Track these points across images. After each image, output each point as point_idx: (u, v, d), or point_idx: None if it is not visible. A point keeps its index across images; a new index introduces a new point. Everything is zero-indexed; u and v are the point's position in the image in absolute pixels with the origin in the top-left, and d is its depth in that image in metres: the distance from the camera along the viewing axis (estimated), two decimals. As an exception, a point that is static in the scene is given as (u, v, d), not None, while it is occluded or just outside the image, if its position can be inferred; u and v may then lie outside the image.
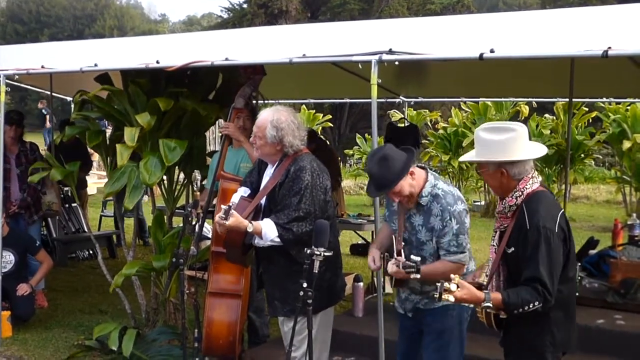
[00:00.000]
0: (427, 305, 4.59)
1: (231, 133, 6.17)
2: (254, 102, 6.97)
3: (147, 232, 11.61)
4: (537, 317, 3.78)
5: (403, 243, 4.41)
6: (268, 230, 4.62)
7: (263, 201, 4.86)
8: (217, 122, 7.66)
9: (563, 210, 3.93)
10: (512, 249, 3.84)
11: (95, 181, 17.28)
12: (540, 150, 4.04)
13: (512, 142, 3.84)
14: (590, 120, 16.89)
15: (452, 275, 3.66)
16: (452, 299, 3.57)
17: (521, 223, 3.79)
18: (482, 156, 3.89)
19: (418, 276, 4.14)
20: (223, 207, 4.49)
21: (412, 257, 4.18)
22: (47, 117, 26.64)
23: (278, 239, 4.63)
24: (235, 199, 4.91)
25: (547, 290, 3.66)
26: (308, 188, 4.67)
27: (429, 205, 4.39)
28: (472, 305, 4.40)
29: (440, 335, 4.58)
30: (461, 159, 4.33)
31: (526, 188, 3.85)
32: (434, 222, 4.38)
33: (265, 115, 4.82)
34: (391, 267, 4.26)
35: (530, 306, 3.66)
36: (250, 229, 4.57)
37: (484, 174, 3.97)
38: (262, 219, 4.74)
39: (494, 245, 4.02)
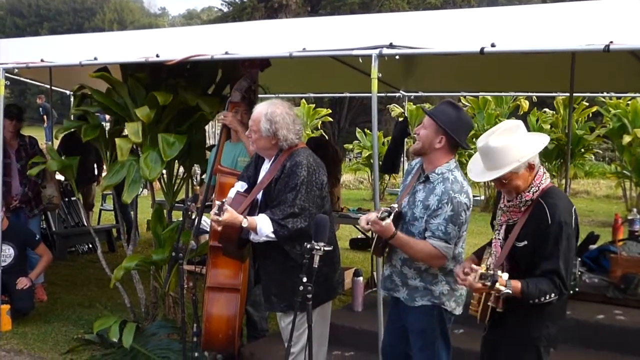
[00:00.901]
0: (407, 301, 4.57)
1: (229, 123, 6.16)
2: (254, 95, 6.96)
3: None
4: (534, 310, 3.83)
5: (397, 209, 4.37)
6: (263, 226, 4.59)
7: (259, 196, 4.84)
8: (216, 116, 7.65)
9: (574, 205, 3.97)
10: (525, 242, 3.86)
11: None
12: (543, 136, 4.08)
13: (525, 135, 3.90)
14: (591, 115, 16.87)
15: (479, 266, 3.71)
16: (503, 288, 3.59)
17: (540, 217, 3.81)
18: (510, 163, 3.79)
19: (388, 221, 4.17)
20: (217, 202, 4.47)
21: (393, 205, 4.27)
22: (45, 117, 26.63)
23: (273, 235, 4.59)
24: (231, 194, 4.89)
25: (564, 284, 3.74)
26: (304, 184, 4.64)
27: (435, 184, 4.39)
28: (457, 304, 4.52)
29: (422, 335, 4.57)
30: (482, 179, 4.07)
31: (542, 183, 3.89)
32: (432, 200, 4.36)
33: (260, 109, 4.80)
34: (372, 215, 4.30)
35: (547, 297, 3.72)
36: (245, 224, 4.53)
37: (512, 181, 3.86)
38: (257, 214, 4.72)
39: (499, 239, 4.02)
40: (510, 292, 3.64)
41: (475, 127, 16.81)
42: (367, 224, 4.42)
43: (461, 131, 4.43)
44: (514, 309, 3.81)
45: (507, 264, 3.94)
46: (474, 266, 3.74)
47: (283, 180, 4.67)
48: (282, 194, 4.65)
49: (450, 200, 4.30)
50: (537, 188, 3.87)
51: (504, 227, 4.01)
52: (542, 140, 3.96)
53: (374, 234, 4.68)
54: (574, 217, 3.85)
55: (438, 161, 4.44)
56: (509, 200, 3.97)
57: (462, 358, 5.34)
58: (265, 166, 4.92)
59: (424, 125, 4.46)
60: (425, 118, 4.49)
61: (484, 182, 17.66)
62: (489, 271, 3.58)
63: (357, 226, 10.23)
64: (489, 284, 3.55)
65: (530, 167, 3.85)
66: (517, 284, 3.67)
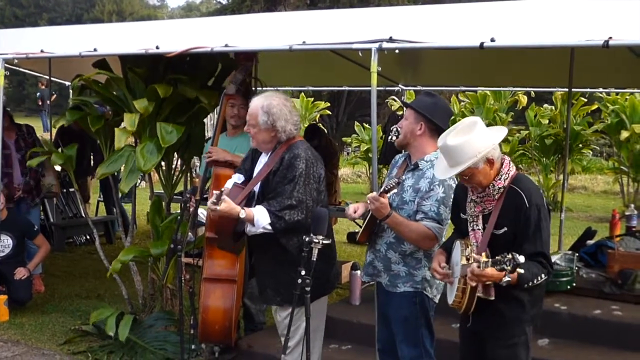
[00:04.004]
0: (389, 286, 4.67)
1: (223, 158, 6.05)
2: (252, 88, 6.94)
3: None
4: (518, 294, 3.93)
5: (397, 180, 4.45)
6: (260, 217, 4.57)
7: (256, 188, 4.83)
8: (215, 109, 7.65)
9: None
10: (504, 229, 3.94)
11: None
12: (502, 129, 4.19)
13: (483, 131, 3.97)
14: (589, 112, 16.84)
15: (483, 255, 3.74)
16: (505, 278, 3.65)
17: (516, 202, 3.90)
18: (468, 159, 3.87)
19: (395, 190, 4.32)
20: (215, 192, 4.47)
21: (389, 182, 4.34)
22: (40, 101, 26.60)
23: (270, 227, 4.58)
24: (229, 184, 4.89)
25: (550, 263, 3.88)
26: (302, 176, 4.64)
27: (424, 170, 4.51)
28: (437, 292, 4.64)
29: (405, 323, 4.63)
30: (445, 175, 4.13)
31: (510, 170, 4.00)
32: (423, 184, 4.48)
33: (256, 102, 4.80)
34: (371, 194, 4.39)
35: (539, 279, 3.83)
36: (242, 215, 4.52)
37: (474, 177, 3.94)
38: (254, 206, 4.71)
39: (479, 229, 4.06)
40: (510, 279, 3.68)
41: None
42: (355, 212, 4.61)
43: (438, 115, 4.54)
44: (504, 295, 3.87)
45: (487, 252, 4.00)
46: (475, 255, 3.79)
47: (281, 172, 4.67)
48: (279, 186, 4.65)
49: (442, 183, 4.42)
50: (507, 175, 3.98)
51: (480, 217, 4.07)
52: (499, 134, 4.06)
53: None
54: (544, 199, 4.03)
55: (424, 149, 4.57)
56: (480, 192, 4.04)
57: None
58: (263, 159, 4.91)
59: (405, 117, 4.62)
60: (406, 110, 4.65)
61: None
62: (505, 256, 3.56)
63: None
64: (509, 268, 3.54)
65: (489, 161, 3.93)
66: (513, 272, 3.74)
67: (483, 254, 3.81)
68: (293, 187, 4.61)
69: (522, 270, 3.60)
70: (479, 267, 3.66)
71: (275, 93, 4.95)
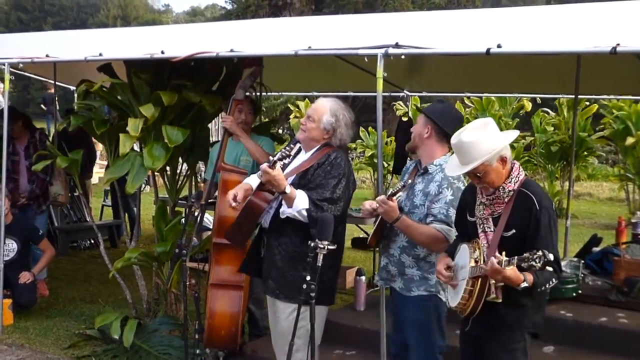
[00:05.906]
0: (403, 290, 4.67)
1: (229, 127, 6.11)
2: (256, 94, 6.93)
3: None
4: (521, 299, 3.93)
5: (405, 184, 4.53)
6: (300, 200, 4.61)
7: (290, 180, 4.79)
8: (220, 114, 7.65)
9: None
10: (513, 231, 3.95)
11: (97, 170, 17.25)
12: (514, 131, 4.27)
13: (496, 130, 4.02)
14: (590, 115, 16.78)
15: (500, 256, 3.72)
16: (523, 283, 3.71)
17: (527, 205, 3.92)
18: (482, 155, 3.89)
19: (402, 194, 4.46)
20: (271, 158, 4.54)
21: (397, 185, 4.43)
22: (43, 105, 26.66)
23: (305, 213, 4.60)
24: (251, 181, 4.89)
25: (560, 268, 3.87)
26: (345, 177, 4.73)
27: (434, 174, 4.56)
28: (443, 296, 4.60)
29: (418, 326, 4.64)
30: (458, 172, 4.13)
31: (520, 174, 4.03)
32: (432, 187, 4.52)
33: (325, 102, 4.88)
34: (380, 197, 4.44)
35: (550, 283, 3.85)
36: (288, 190, 4.56)
37: (487, 175, 3.95)
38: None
39: (490, 231, 4.06)
40: (527, 285, 3.71)
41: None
42: (370, 206, 4.58)
43: (446, 120, 4.59)
44: (507, 299, 3.88)
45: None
46: (497, 254, 3.75)
47: (325, 167, 4.73)
48: (321, 179, 4.71)
49: (450, 185, 4.46)
50: (517, 179, 4.00)
51: (490, 219, 4.08)
52: (511, 135, 4.12)
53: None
54: (553, 204, 4.05)
55: (433, 152, 4.64)
56: (489, 194, 4.04)
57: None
58: (301, 157, 4.91)
59: (417, 122, 4.72)
60: (418, 116, 4.75)
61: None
62: (535, 253, 3.52)
63: (360, 225, 10.25)
64: (539, 265, 3.51)
65: (502, 160, 3.96)
66: (529, 277, 3.74)
67: (503, 253, 3.81)
68: (336, 183, 4.69)
69: (550, 268, 3.64)
70: (499, 263, 3.64)
71: (342, 102, 5.01)
